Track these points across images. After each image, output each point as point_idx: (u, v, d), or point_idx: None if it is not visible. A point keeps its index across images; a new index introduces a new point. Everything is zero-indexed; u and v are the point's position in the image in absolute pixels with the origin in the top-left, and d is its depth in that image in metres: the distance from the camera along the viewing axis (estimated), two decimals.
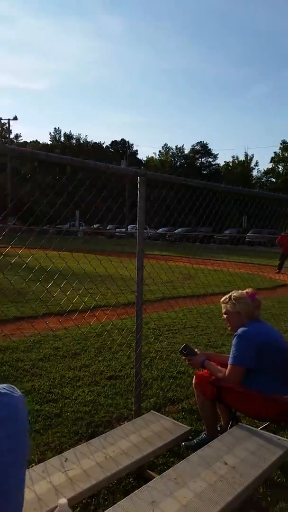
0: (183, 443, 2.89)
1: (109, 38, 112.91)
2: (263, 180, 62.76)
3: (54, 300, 7.66)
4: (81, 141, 66.96)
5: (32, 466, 2.16)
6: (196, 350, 2.92)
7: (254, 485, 1.87)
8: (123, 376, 4.25)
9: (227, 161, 67.48)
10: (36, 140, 66.39)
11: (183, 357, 2.92)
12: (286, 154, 56.06)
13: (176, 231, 35.36)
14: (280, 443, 2.16)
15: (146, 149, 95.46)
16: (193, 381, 2.92)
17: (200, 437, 2.92)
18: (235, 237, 31.89)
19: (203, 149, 68.30)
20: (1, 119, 48.62)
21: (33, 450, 2.80)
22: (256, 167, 69.71)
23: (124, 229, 38.12)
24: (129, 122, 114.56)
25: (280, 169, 58.75)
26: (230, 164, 65.58)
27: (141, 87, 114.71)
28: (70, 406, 3.53)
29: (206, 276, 8.37)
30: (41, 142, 65.77)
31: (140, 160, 66.98)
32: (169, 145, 71.79)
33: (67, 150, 56.75)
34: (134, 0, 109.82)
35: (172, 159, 68.51)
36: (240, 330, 2.68)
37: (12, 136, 58.96)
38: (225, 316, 2.83)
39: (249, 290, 2.86)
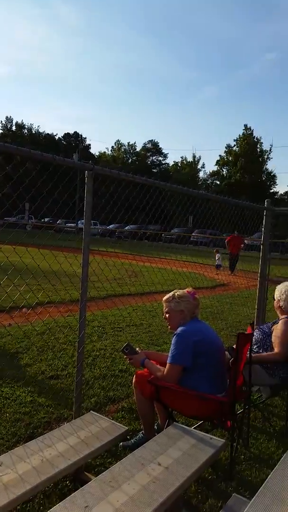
0: (121, 443, 2.92)
1: (66, 28, 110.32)
2: (208, 182, 64.43)
3: None
4: (33, 131, 65.12)
5: None
6: (137, 349, 2.95)
7: (186, 485, 1.93)
8: (65, 376, 4.21)
9: (176, 161, 68.67)
10: None
11: (125, 356, 2.95)
12: (230, 158, 57.71)
13: (126, 228, 35.48)
14: (212, 443, 2.24)
15: (99, 144, 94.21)
16: (133, 380, 2.96)
17: (138, 436, 2.97)
18: (182, 236, 32.51)
19: (154, 148, 68.89)
20: None
21: None
22: (203, 169, 71.30)
23: (74, 224, 37.63)
24: (82, 115, 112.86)
25: (224, 172, 60.46)
26: (179, 164, 66.71)
27: (97, 81, 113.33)
28: (9, 406, 3.45)
29: (150, 274, 8.48)
30: None
31: (92, 155, 66.29)
32: (122, 141, 71.81)
33: (19, 140, 54.94)
34: None
35: (124, 156, 68.50)
36: (179, 329, 2.74)
37: None
38: (167, 315, 2.87)
39: (189, 289, 2.93)
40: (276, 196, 56.39)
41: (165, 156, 69.64)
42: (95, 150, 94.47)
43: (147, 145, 68.76)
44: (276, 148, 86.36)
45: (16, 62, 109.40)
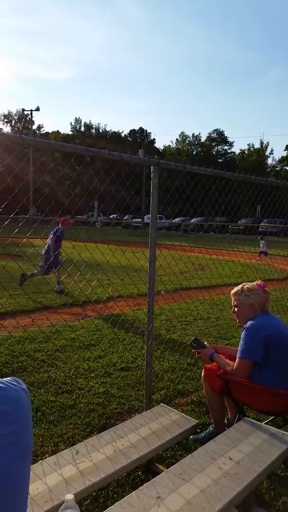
0: (191, 436, 2.94)
1: (127, 25, 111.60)
2: (277, 169, 61.77)
3: (68, 291, 7.81)
4: (101, 131, 67.02)
5: (45, 458, 2.23)
6: (205, 343, 2.94)
7: (257, 481, 1.90)
8: (135, 368, 4.31)
9: (243, 149, 66.68)
10: (58, 131, 66.90)
11: (193, 350, 2.95)
12: None
13: (191, 221, 35.22)
14: (284, 439, 2.18)
15: (164, 138, 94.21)
16: (202, 374, 2.96)
17: (208, 430, 2.97)
18: (249, 227, 31.57)
19: (219, 137, 67.52)
20: (24, 110, 48.87)
21: (46, 441, 2.88)
22: (271, 155, 68.54)
23: (140, 219, 38.18)
24: (147, 110, 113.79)
25: None
26: (246, 152, 64.70)
27: (161, 75, 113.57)
28: (83, 397, 3.61)
29: (217, 267, 8.37)
30: (62, 132, 66.19)
31: (157, 149, 66.61)
32: (186, 133, 71.23)
33: (87, 140, 56.90)
34: None
35: (189, 148, 67.93)
36: (249, 323, 2.68)
37: (34, 127, 59.52)
38: (236, 308, 2.82)
39: (259, 281, 2.85)
40: None
41: (230, 144, 68.05)
42: (159, 144, 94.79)
43: (212, 135, 67.58)
44: None
45: (81, 63, 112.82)
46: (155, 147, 67.60)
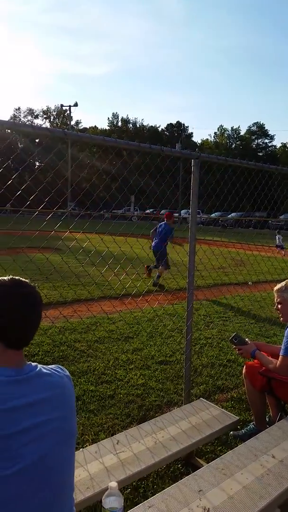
0: (231, 432, 2.91)
1: (166, 20, 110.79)
2: None
3: (109, 284, 7.91)
4: (138, 125, 67.03)
5: (86, 446, 2.28)
6: (246, 339, 2.89)
7: None
8: (173, 362, 4.31)
9: (284, 142, 64.68)
10: (95, 126, 67.48)
11: (233, 346, 2.91)
12: None
13: (230, 216, 34.69)
14: None
15: (201, 132, 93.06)
16: (243, 371, 2.92)
17: (248, 427, 2.93)
18: None
19: (259, 130, 65.84)
20: (63, 106, 49.76)
21: (87, 430, 2.94)
22: None
23: (177, 214, 37.98)
24: (184, 104, 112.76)
25: None
26: (287, 146, 62.78)
27: (198, 67, 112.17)
28: (123, 388, 3.65)
29: (259, 263, 8.20)
30: (99, 127, 66.75)
31: (195, 143, 65.89)
32: (225, 126, 70.00)
33: (124, 135, 57.13)
34: None
35: (228, 141, 66.71)
36: None
37: (73, 122, 60.44)
38: (279, 305, 2.76)
39: None
40: None
41: (271, 138, 66.10)
42: (197, 138, 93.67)
43: (251, 128, 66.03)
44: None
45: (118, 58, 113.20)
46: (193, 141, 66.84)
